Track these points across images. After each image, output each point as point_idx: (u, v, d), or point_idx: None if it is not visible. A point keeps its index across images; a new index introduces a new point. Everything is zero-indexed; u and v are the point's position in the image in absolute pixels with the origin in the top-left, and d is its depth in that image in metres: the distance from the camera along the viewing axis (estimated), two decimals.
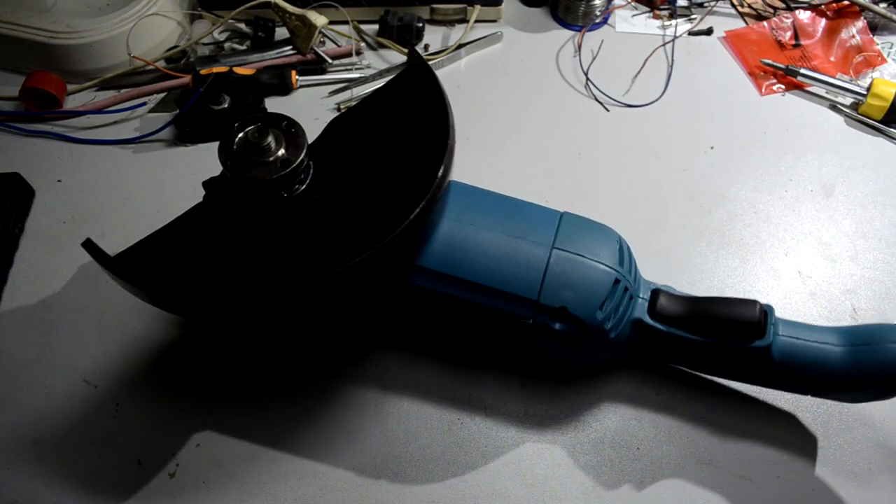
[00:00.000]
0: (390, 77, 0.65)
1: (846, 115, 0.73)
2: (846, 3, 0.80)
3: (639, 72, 0.76)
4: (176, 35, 0.78)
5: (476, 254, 0.48)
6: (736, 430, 0.53)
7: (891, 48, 0.79)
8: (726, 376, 0.53)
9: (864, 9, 0.79)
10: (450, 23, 0.80)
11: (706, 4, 0.83)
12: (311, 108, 0.72)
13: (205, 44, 0.77)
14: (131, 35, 0.72)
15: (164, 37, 0.76)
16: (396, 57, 0.77)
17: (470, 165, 0.64)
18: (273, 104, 0.72)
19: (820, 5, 0.80)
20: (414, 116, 0.52)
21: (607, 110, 0.74)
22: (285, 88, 0.73)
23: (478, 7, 0.79)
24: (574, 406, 0.54)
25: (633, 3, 0.84)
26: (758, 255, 0.63)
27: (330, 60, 0.75)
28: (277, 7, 0.73)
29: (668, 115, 0.73)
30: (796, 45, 0.79)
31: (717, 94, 0.75)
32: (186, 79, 0.71)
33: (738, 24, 0.82)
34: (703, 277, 0.61)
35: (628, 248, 0.51)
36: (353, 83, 0.74)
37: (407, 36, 0.77)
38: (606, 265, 0.48)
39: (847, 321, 0.59)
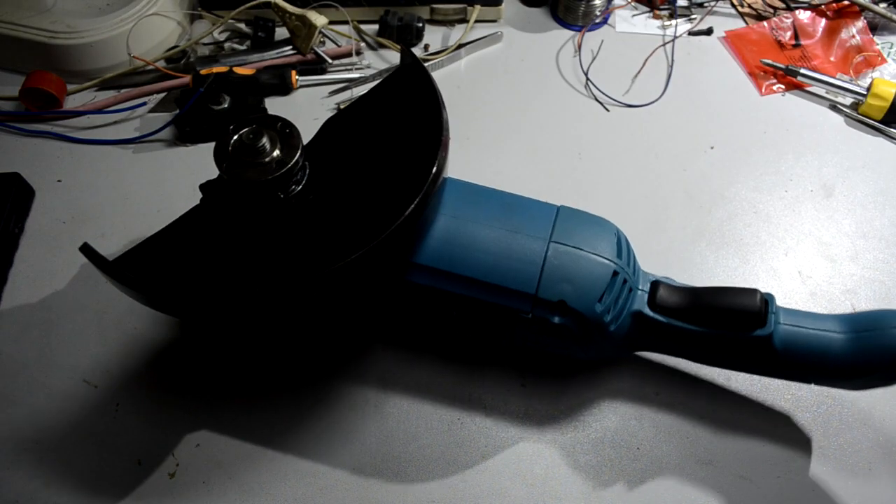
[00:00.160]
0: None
1: (846, 115, 0.73)
2: (846, 3, 0.80)
3: (639, 72, 0.76)
4: (176, 35, 0.78)
5: (473, 249, 0.48)
6: (736, 429, 0.53)
7: (891, 48, 0.79)
8: (728, 367, 0.53)
9: (864, 9, 0.79)
10: (450, 23, 0.80)
11: (706, 4, 0.83)
12: (311, 108, 0.72)
13: (205, 44, 0.77)
14: (131, 35, 0.72)
15: (164, 37, 0.76)
16: (396, 57, 0.77)
17: (469, 165, 0.64)
18: (273, 104, 0.72)
19: (820, 5, 0.80)
20: (408, 114, 0.52)
21: (607, 110, 0.74)
22: (285, 88, 0.73)
23: (478, 7, 0.79)
24: (574, 406, 0.54)
25: (633, 3, 0.84)
26: (758, 255, 0.63)
27: (330, 60, 0.75)
28: (277, 7, 0.73)
29: (668, 115, 0.73)
30: (796, 45, 0.79)
31: (717, 94, 0.75)
32: (186, 79, 0.71)
33: (738, 24, 0.82)
34: (703, 277, 0.61)
35: (626, 241, 0.51)
36: (353, 83, 0.74)
37: (407, 36, 0.77)
38: (604, 257, 0.48)
39: None
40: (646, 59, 0.77)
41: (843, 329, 0.48)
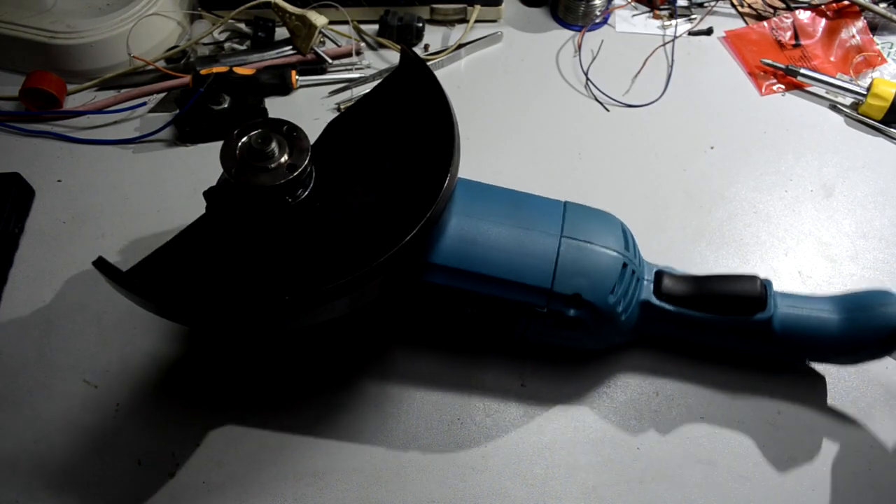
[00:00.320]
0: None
1: (846, 115, 0.73)
2: (846, 3, 0.80)
3: (639, 72, 0.76)
4: (176, 35, 0.78)
5: (488, 247, 0.48)
6: (736, 429, 0.53)
7: (891, 48, 0.79)
8: (729, 348, 0.55)
9: (864, 9, 0.79)
10: (450, 23, 0.80)
11: (706, 4, 0.83)
12: (311, 108, 0.72)
13: (205, 44, 0.77)
14: (131, 35, 0.72)
15: (164, 37, 0.76)
16: (397, 57, 0.77)
17: (470, 165, 0.63)
18: (273, 104, 0.72)
19: (820, 5, 0.80)
20: (413, 115, 0.52)
21: (607, 110, 0.74)
22: (285, 88, 0.73)
23: (478, 7, 0.79)
24: (574, 406, 0.54)
25: (633, 3, 0.84)
26: (758, 255, 0.63)
27: (330, 60, 0.75)
28: (277, 7, 0.73)
29: (668, 115, 0.73)
30: (796, 45, 0.79)
31: (717, 94, 0.75)
32: (186, 79, 0.71)
33: (738, 24, 0.82)
34: None
35: (631, 233, 0.53)
36: (353, 83, 0.74)
37: (407, 36, 0.77)
38: (614, 250, 0.49)
39: None
40: (646, 59, 0.77)
41: (836, 309, 0.51)
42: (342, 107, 0.72)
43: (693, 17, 0.82)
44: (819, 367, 0.56)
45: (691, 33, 0.81)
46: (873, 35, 0.79)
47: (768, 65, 0.76)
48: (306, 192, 0.49)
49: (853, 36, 0.79)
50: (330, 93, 0.74)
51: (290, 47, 0.76)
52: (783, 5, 0.82)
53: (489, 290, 0.48)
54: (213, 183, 0.50)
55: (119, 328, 0.57)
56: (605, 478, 0.51)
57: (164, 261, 0.46)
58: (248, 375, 0.55)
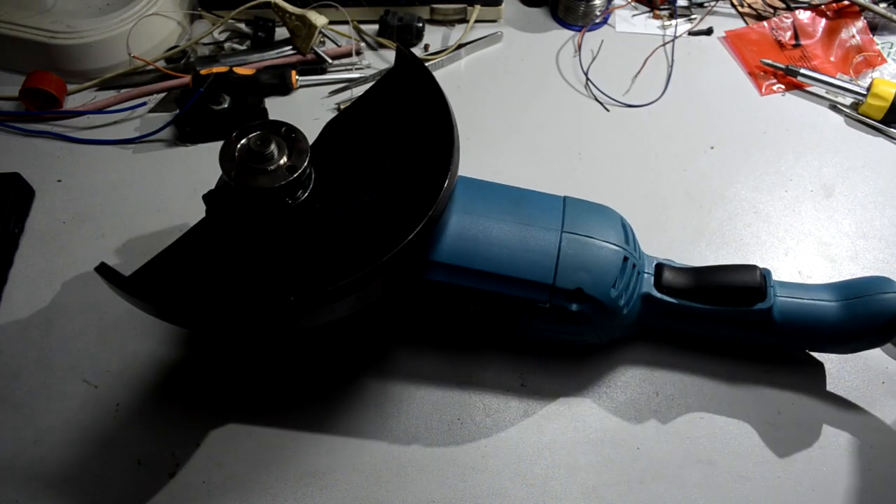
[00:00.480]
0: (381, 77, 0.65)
1: (846, 115, 0.73)
2: (846, 3, 0.80)
3: (639, 72, 0.77)
4: (176, 35, 0.78)
5: (489, 244, 0.49)
6: (736, 429, 0.53)
7: (891, 48, 0.79)
8: (729, 340, 0.55)
9: (864, 9, 0.79)
10: (450, 23, 0.80)
11: (706, 4, 0.83)
12: (311, 108, 0.72)
13: (205, 44, 0.77)
14: (131, 35, 0.72)
15: (164, 37, 0.76)
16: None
17: (469, 165, 0.63)
18: (273, 104, 0.72)
19: (820, 5, 0.80)
20: (411, 114, 0.52)
21: (607, 110, 0.74)
22: (285, 88, 0.73)
23: (478, 7, 0.79)
24: (574, 406, 0.54)
25: (633, 3, 0.84)
26: (758, 255, 0.63)
27: (330, 60, 0.75)
28: (277, 7, 0.73)
29: (668, 115, 0.73)
30: (796, 45, 0.79)
31: (717, 94, 0.75)
32: (186, 79, 0.71)
33: (738, 24, 0.82)
34: None
35: (630, 227, 0.53)
36: (353, 83, 0.74)
37: (407, 36, 0.77)
38: (615, 244, 0.50)
39: None
40: (646, 59, 0.77)
41: (834, 297, 0.52)
42: (342, 107, 0.72)
43: (693, 17, 0.82)
44: (819, 358, 0.57)
45: (691, 33, 0.81)
46: (873, 35, 0.79)
47: (768, 65, 0.76)
48: (306, 194, 0.49)
49: (853, 36, 0.79)
50: (330, 93, 0.74)
51: (290, 47, 0.76)
52: (783, 5, 0.82)
53: (491, 287, 0.49)
54: (213, 183, 0.50)
55: (119, 328, 0.57)
56: (605, 478, 0.51)
57: (165, 265, 0.46)
58: (249, 375, 0.55)
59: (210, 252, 0.48)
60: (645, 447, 0.53)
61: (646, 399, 0.55)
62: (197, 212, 0.49)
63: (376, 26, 0.78)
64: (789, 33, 0.80)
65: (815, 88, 0.75)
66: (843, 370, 0.56)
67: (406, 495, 0.50)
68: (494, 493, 0.50)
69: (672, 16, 0.82)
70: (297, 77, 0.73)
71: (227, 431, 0.52)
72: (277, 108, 0.72)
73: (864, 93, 0.71)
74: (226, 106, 0.68)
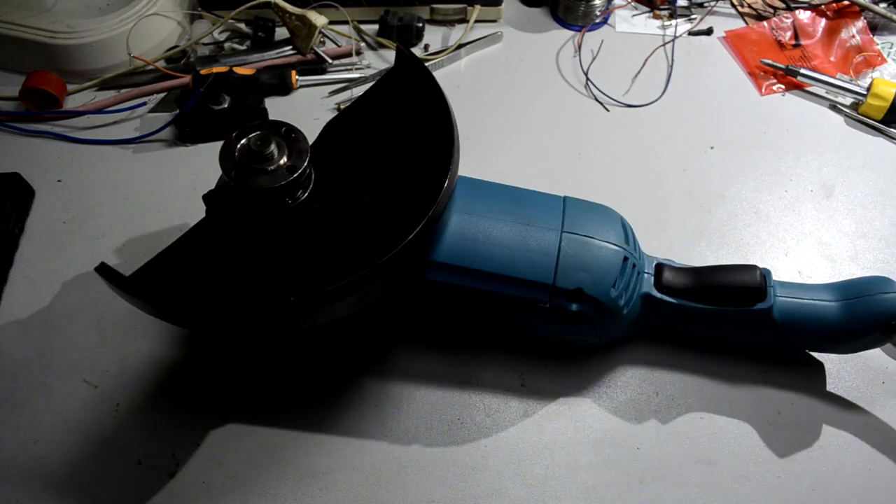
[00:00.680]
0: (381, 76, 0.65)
1: (846, 115, 0.73)
2: (846, 3, 0.80)
3: (639, 72, 0.77)
4: (176, 35, 0.78)
5: (489, 244, 0.49)
6: (736, 429, 0.53)
7: (891, 48, 0.79)
8: (729, 340, 0.55)
9: (864, 9, 0.79)
10: (450, 23, 0.80)
11: (706, 4, 0.83)
12: (311, 108, 0.72)
13: (205, 44, 0.77)
14: (131, 35, 0.72)
15: (164, 37, 0.76)
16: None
17: (469, 165, 0.63)
18: (273, 104, 0.72)
19: (820, 5, 0.80)
20: (410, 114, 0.52)
21: (607, 110, 0.74)
22: (285, 88, 0.73)
23: (478, 7, 0.79)
24: (574, 405, 0.54)
25: (633, 3, 0.84)
26: (758, 255, 0.63)
27: (330, 60, 0.75)
28: (277, 7, 0.73)
29: (668, 115, 0.73)
30: (796, 45, 0.79)
31: (717, 94, 0.75)
32: (186, 79, 0.71)
33: (738, 24, 0.82)
34: None
35: (630, 227, 0.53)
36: (353, 83, 0.74)
37: (407, 36, 0.77)
38: (615, 244, 0.50)
39: None
40: (646, 59, 0.77)
41: (835, 297, 0.52)
42: (342, 107, 0.72)
43: (693, 17, 0.82)
44: (819, 358, 0.57)
45: (691, 33, 0.81)
46: (873, 35, 0.79)
47: (768, 65, 0.76)
48: (306, 194, 0.49)
49: (853, 36, 0.79)
50: (330, 93, 0.74)
51: (290, 47, 0.76)
52: (783, 5, 0.82)
53: (491, 287, 0.49)
54: (213, 183, 0.50)
55: (119, 328, 0.57)
56: (605, 478, 0.51)
57: (165, 265, 0.46)
58: (249, 375, 0.55)
59: (210, 252, 0.48)
60: (645, 447, 0.53)
61: (646, 399, 0.55)
62: (197, 212, 0.49)
63: (376, 26, 0.78)
64: (789, 33, 0.80)
65: (815, 88, 0.75)
66: (843, 370, 0.56)
67: (406, 495, 0.50)
68: (494, 493, 0.50)
69: (672, 16, 0.82)
70: (297, 77, 0.73)
71: (227, 431, 0.52)
72: (277, 108, 0.72)
73: (864, 93, 0.71)
74: (226, 106, 0.68)
